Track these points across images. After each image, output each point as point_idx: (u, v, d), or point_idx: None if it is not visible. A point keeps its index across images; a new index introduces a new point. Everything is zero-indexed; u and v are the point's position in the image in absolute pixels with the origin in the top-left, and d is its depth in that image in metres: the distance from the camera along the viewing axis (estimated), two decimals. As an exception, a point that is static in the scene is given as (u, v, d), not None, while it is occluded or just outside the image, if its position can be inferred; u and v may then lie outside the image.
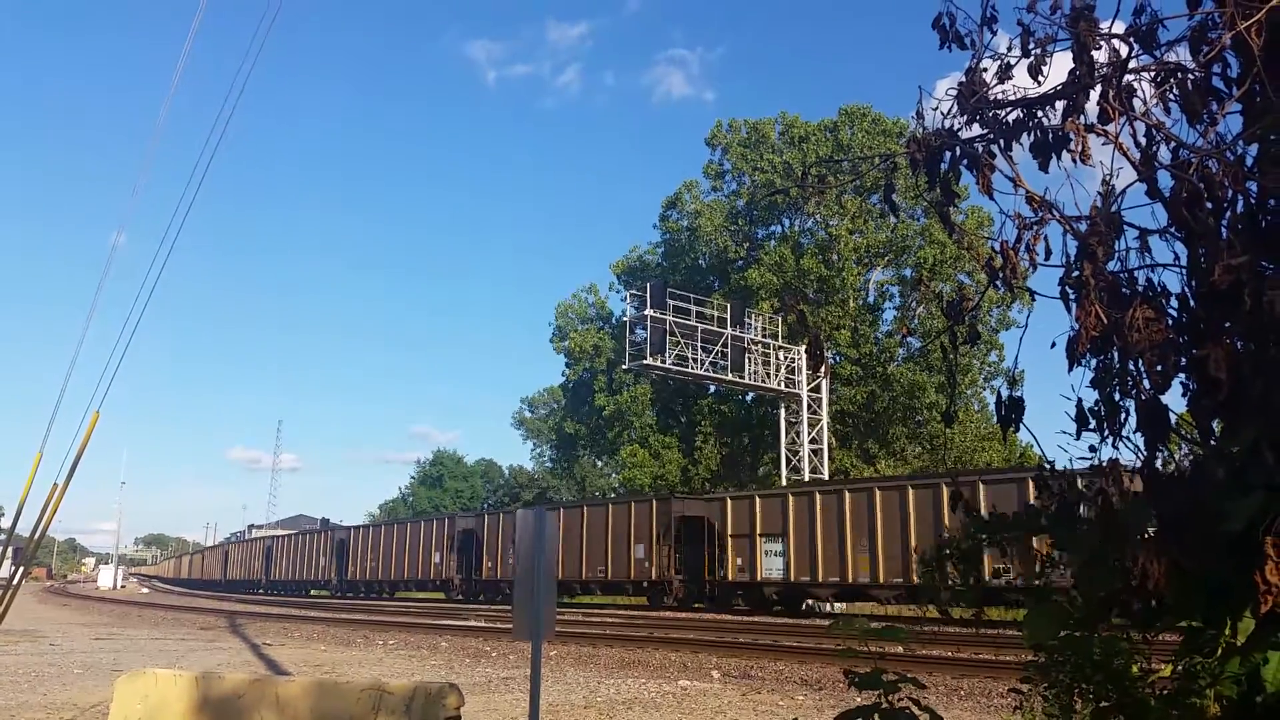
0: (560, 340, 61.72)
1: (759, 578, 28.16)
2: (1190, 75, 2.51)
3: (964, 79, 2.78)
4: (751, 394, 48.44)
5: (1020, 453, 39.85)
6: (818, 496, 27.00)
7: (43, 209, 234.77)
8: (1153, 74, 2.58)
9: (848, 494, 26.32)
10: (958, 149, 2.77)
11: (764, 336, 40.72)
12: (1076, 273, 2.52)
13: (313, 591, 55.71)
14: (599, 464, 69.29)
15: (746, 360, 39.29)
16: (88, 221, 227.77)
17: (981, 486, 22.69)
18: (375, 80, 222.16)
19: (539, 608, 6.91)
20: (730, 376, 38.88)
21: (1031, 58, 2.67)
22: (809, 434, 40.69)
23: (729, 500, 30.03)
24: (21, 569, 7.42)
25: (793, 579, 27.18)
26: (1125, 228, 2.60)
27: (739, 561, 28.85)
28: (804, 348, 38.70)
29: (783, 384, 40.68)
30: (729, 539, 29.15)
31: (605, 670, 14.51)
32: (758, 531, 28.29)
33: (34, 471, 6.42)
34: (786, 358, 40.67)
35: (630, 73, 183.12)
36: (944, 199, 2.85)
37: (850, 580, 25.61)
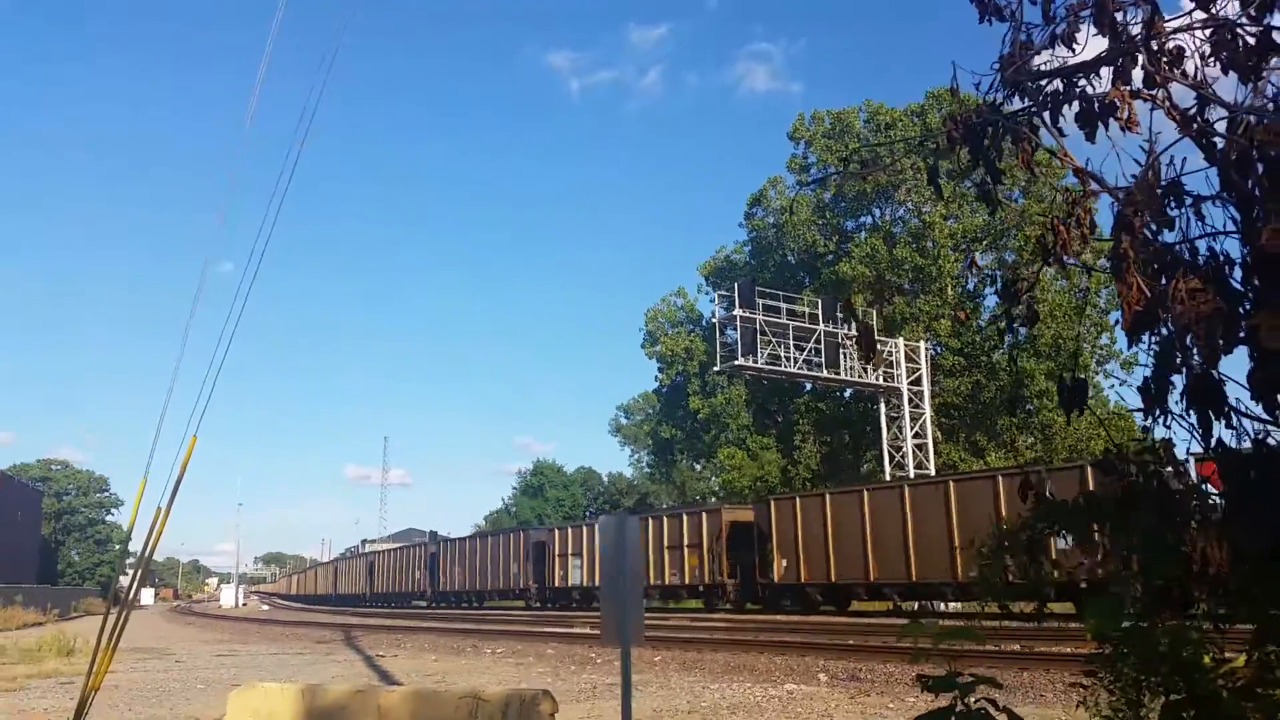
0: (652, 345, 61.80)
1: (569, 584, 41.54)
2: (1240, 29, 2.35)
3: (1003, 51, 2.67)
4: (849, 390, 47.54)
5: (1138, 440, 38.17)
6: (595, 529, 37.13)
7: (146, 237, 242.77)
8: (1201, 28, 2.42)
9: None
10: (999, 124, 2.66)
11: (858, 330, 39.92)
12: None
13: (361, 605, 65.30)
14: (697, 467, 69.08)
15: (841, 356, 38.45)
16: (190, 246, 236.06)
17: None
18: (459, 95, 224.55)
19: (625, 613, 6.88)
20: (826, 373, 38.15)
21: (1063, 25, 2.54)
22: (912, 429, 39.74)
23: (556, 531, 44.08)
24: (135, 588, 7.80)
25: (584, 584, 39.71)
26: (1185, 196, 2.45)
27: (560, 572, 42.08)
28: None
29: (881, 378, 39.75)
30: (556, 556, 42.27)
31: (710, 675, 14.41)
32: (569, 551, 41.48)
33: (139, 496, 6.72)
34: (884, 350, 39.70)
35: (713, 70, 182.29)
36: (990, 176, 2.74)
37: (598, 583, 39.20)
